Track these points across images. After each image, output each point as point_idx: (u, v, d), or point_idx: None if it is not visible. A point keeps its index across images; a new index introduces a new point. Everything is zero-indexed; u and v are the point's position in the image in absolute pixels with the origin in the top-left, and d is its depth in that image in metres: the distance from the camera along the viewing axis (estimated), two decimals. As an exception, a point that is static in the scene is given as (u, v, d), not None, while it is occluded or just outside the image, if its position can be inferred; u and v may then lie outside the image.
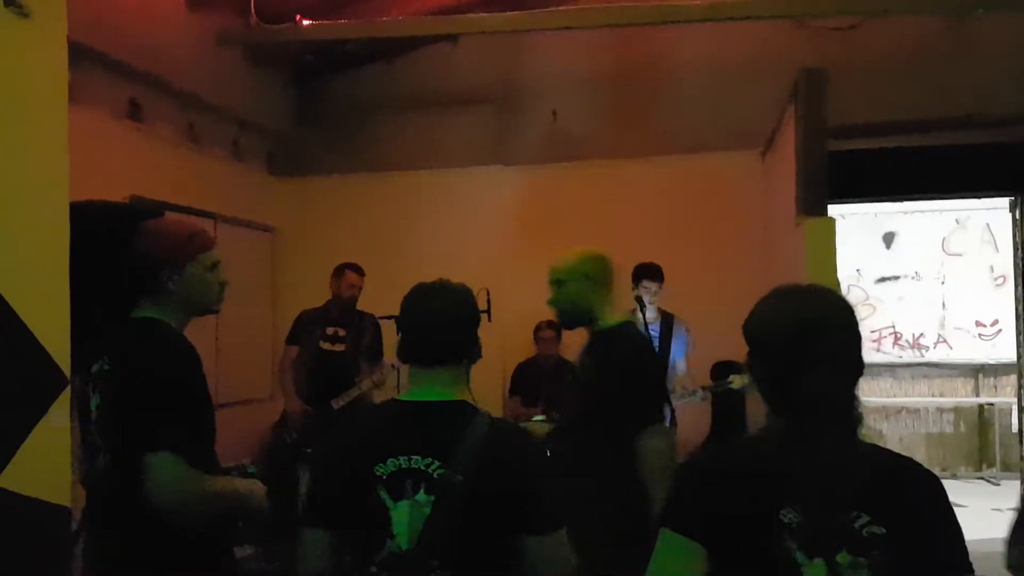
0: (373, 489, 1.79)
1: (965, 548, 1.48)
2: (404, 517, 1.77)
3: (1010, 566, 2.02)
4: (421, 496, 1.77)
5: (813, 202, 4.53)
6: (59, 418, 2.84)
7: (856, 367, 1.54)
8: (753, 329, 1.61)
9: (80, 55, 4.37)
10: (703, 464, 1.67)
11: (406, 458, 1.79)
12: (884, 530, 1.44)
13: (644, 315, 4.99)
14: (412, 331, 1.98)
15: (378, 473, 1.79)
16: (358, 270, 5.49)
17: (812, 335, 1.51)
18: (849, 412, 1.52)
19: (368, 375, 5.39)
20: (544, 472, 1.92)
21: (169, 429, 2.07)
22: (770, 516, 1.47)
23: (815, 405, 1.49)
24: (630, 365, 2.82)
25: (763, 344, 1.58)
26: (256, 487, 2.27)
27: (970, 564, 1.46)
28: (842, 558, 1.43)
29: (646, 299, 5.00)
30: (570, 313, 3.04)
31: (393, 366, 5.34)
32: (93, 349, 2.32)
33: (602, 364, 2.85)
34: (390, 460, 1.80)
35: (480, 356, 2.02)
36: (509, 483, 1.79)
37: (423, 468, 1.78)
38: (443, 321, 1.95)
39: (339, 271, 5.46)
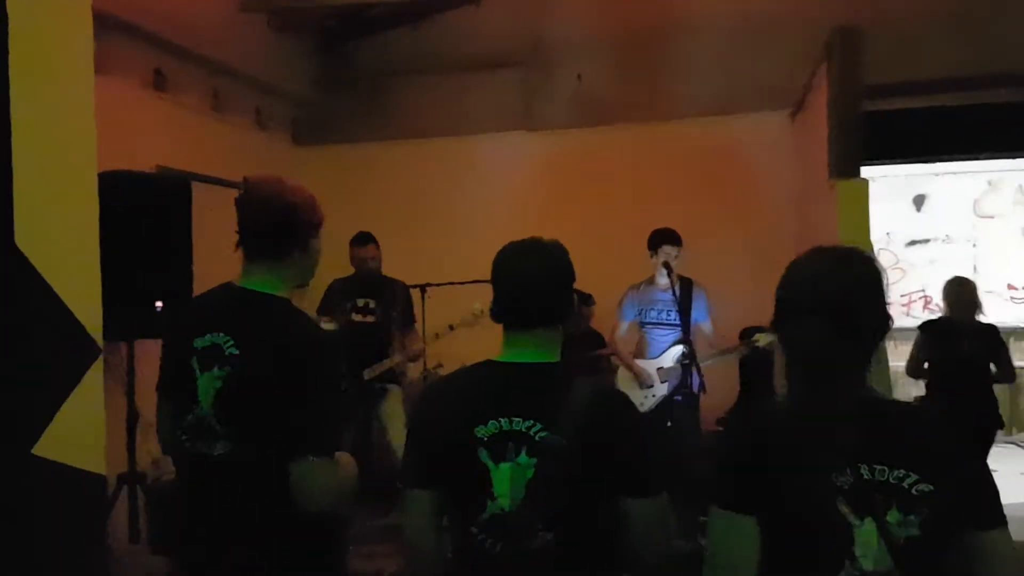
0: (474, 451, 1.79)
1: (1000, 501, 1.51)
2: (506, 479, 1.77)
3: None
4: (523, 458, 1.76)
5: (846, 164, 4.46)
6: (93, 387, 2.88)
7: (873, 322, 1.54)
8: (779, 288, 1.63)
9: (104, 25, 4.35)
10: (741, 436, 1.66)
11: (507, 420, 1.79)
12: (932, 487, 1.46)
13: (672, 279, 4.97)
14: (510, 293, 1.90)
15: (479, 435, 1.79)
16: (364, 242, 5.42)
17: (810, 288, 1.54)
18: (864, 364, 1.53)
19: (400, 348, 5.40)
20: (646, 435, 1.92)
21: (323, 432, 1.96)
22: (821, 479, 1.49)
23: (804, 356, 1.53)
24: None
25: (782, 302, 1.61)
26: (352, 463, 2.14)
27: (1004, 515, 1.49)
28: (892, 516, 1.45)
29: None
30: None
31: (437, 335, 5.35)
32: (198, 319, 2.11)
33: None
34: (491, 423, 1.79)
35: (573, 315, 1.98)
36: (613, 446, 1.78)
37: (524, 431, 1.77)
38: (542, 282, 1.89)
39: (352, 248, 5.42)
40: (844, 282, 1.54)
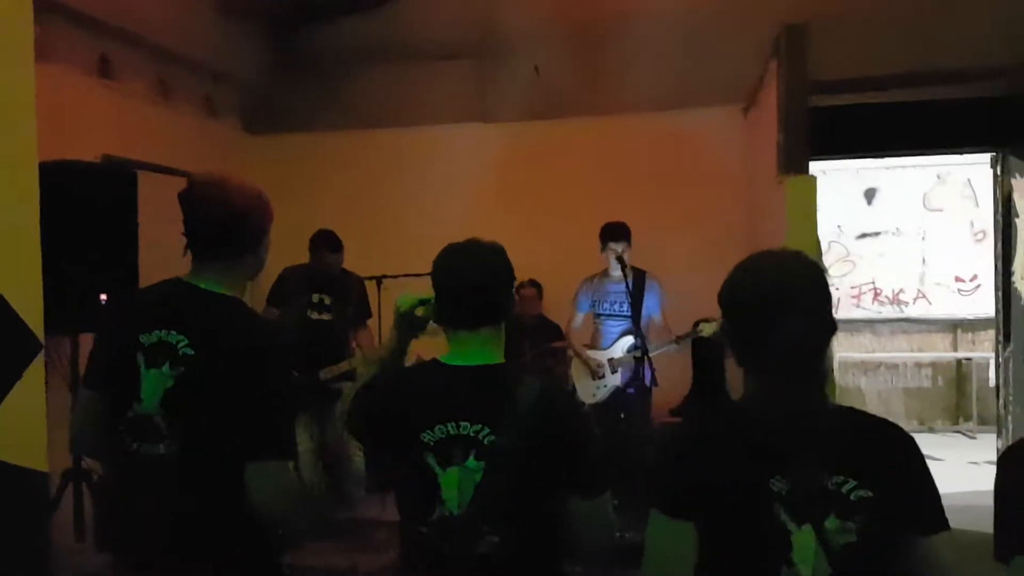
0: (420, 456, 1.78)
1: (941, 506, 1.52)
2: (454, 483, 1.77)
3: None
4: (471, 463, 1.76)
5: (794, 160, 4.52)
6: (34, 383, 2.82)
7: (825, 326, 1.56)
8: (726, 292, 1.63)
9: (46, 9, 4.24)
10: (684, 439, 1.66)
11: (454, 425, 1.78)
12: (870, 493, 1.46)
13: (624, 273, 4.99)
14: (454, 293, 1.91)
15: (425, 440, 1.78)
16: (337, 248, 5.20)
17: (780, 294, 1.54)
18: (817, 369, 1.55)
19: (358, 347, 5.29)
20: (592, 436, 1.92)
21: (280, 434, 1.93)
22: (760, 485, 1.48)
23: (784, 362, 1.51)
24: None
25: (735, 305, 1.61)
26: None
27: (946, 520, 1.50)
28: (830, 523, 1.45)
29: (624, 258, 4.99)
30: None
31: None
32: (143, 314, 2.02)
33: None
34: (437, 427, 1.78)
35: (513, 314, 1.98)
36: (560, 448, 1.79)
37: (472, 435, 1.77)
38: (486, 282, 1.90)
39: (319, 251, 5.19)
40: (814, 289, 1.56)
